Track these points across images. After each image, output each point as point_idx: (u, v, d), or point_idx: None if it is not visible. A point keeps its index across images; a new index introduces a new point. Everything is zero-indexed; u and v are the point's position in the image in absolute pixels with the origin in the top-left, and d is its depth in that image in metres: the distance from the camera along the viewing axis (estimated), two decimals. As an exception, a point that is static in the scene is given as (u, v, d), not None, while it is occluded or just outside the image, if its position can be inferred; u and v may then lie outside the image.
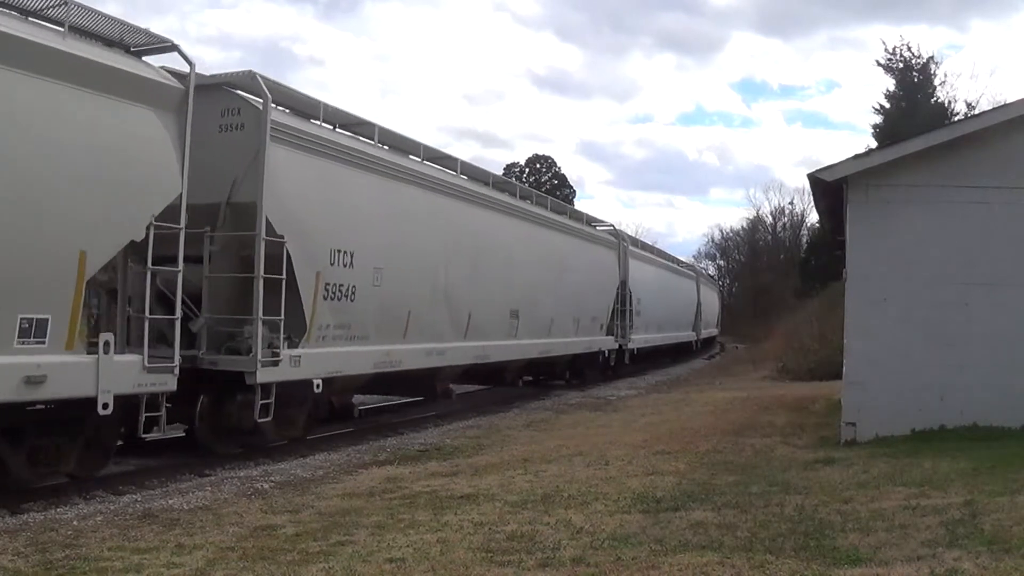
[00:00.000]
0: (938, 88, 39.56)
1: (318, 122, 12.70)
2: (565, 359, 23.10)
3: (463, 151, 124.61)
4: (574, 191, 74.72)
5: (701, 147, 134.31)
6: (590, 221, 26.07)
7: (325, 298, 12.03)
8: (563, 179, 73.80)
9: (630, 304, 27.46)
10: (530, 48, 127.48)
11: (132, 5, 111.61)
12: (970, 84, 76.42)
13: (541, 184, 65.95)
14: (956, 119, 29.92)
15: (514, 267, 18.53)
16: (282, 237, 11.14)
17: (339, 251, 12.30)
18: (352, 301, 12.59)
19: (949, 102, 39.23)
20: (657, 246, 43.47)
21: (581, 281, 23.02)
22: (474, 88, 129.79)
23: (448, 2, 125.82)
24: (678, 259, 44.71)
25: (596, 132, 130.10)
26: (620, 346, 26.90)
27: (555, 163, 75.42)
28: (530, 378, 22.68)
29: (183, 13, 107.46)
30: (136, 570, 6.04)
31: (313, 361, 11.89)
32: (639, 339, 29.17)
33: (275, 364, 11.02)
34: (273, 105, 11.37)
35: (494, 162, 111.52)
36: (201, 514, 8.07)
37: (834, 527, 6.68)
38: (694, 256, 77.42)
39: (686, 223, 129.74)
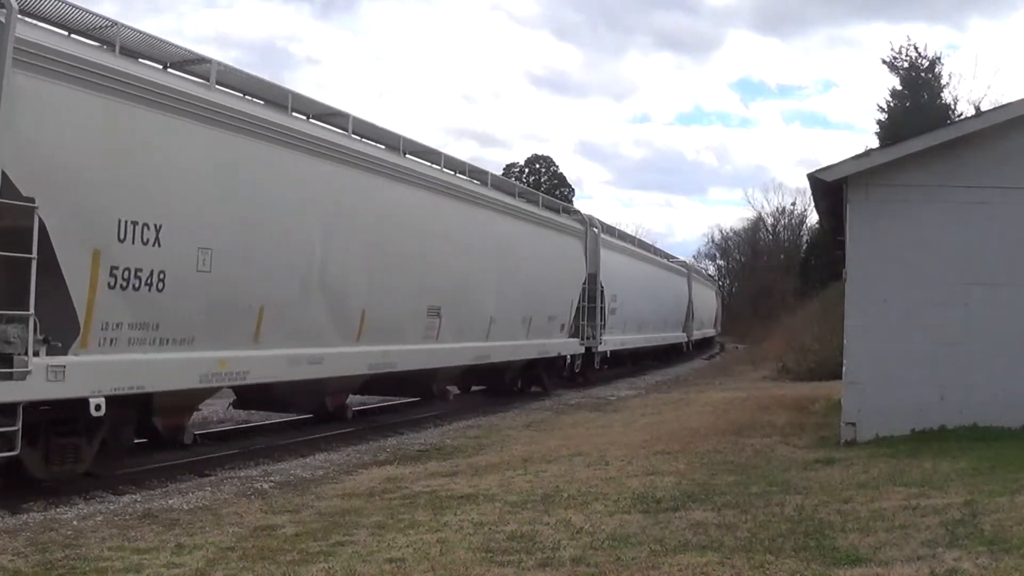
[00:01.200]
0: (945, 88, 39.56)
1: (127, 58, 9.44)
2: (516, 365, 19.91)
3: (461, 151, 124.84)
4: (573, 191, 74.81)
5: (699, 147, 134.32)
6: (550, 204, 22.39)
7: (112, 287, 8.84)
8: (562, 179, 73.83)
9: (602, 301, 23.97)
10: (527, 47, 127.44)
11: (128, 5, 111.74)
12: (973, 84, 76.40)
13: (540, 184, 65.91)
14: (958, 119, 29.93)
15: (435, 254, 14.97)
16: (31, 200, 8.00)
17: (134, 223, 9.03)
18: (160, 291, 9.39)
19: (953, 101, 39.27)
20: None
21: (534, 273, 19.35)
22: (472, 88, 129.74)
23: (443, 0, 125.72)
24: (667, 253, 41.80)
25: (594, 132, 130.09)
26: (589, 349, 23.56)
27: (554, 163, 75.49)
28: (483, 387, 20.51)
29: (180, 13, 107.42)
30: (136, 570, 6.04)
31: (90, 373, 8.69)
32: (613, 340, 25.95)
33: (22, 377, 7.93)
34: (41, 24, 8.63)
35: (493, 162, 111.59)
36: (201, 514, 8.07)
37: (834, 527, 6.68)
38: (694, 256, 77.38)
39: (685, 223, 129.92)
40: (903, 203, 11.51)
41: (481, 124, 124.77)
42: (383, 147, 14.10)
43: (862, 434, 11.26)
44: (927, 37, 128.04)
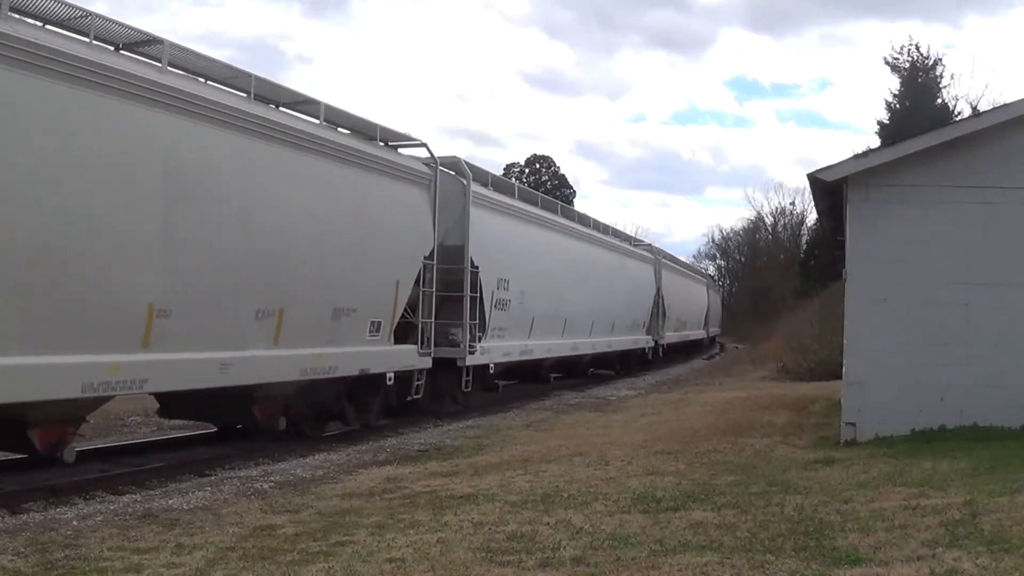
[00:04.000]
0: (943, 89, 39.52)
1: None
2: (265, 393, 11.47)
3: (458, 150, 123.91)
4: (574, 191, 74.58)
5: (695, 146, 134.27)
6: (346, 122, 13.14)
7: None
8: (563, 179, 73.74)
9: (476, 289, 16.14)
10: (520, 46, 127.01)
11: (122, 4, 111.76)
12: (971, 83, 76.40)
13: (541, 185, 65.73)
14: (958, 119, 29.93)
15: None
16: None
17: None
18: None
19: (953, 100, 39.25)
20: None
21: (286, 234, 11.32)
22: (466, 86, 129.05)
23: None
24: (621, 232, 32.23)
25: (590, 131, 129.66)
26: (454, 361, 15.71)
27: (554, 163, 75.36)
28: (260, 425, 12.00)
29: (172, 12, 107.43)
30: (136, 570, 6.05)
31: None
32: (506, 347, 17.99)
33: None
34: None
35: (490, 161, 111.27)
36: (201, 514, 8.07)
37: (834, 527, 6.68)
38: (694, 256, 77.34)
39: (683, 223, 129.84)
40: (903, 203, 11.52)
41: (476, 123, 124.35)
42: None
43: (862, 434, 11.27)
44: (923, 35, 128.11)
